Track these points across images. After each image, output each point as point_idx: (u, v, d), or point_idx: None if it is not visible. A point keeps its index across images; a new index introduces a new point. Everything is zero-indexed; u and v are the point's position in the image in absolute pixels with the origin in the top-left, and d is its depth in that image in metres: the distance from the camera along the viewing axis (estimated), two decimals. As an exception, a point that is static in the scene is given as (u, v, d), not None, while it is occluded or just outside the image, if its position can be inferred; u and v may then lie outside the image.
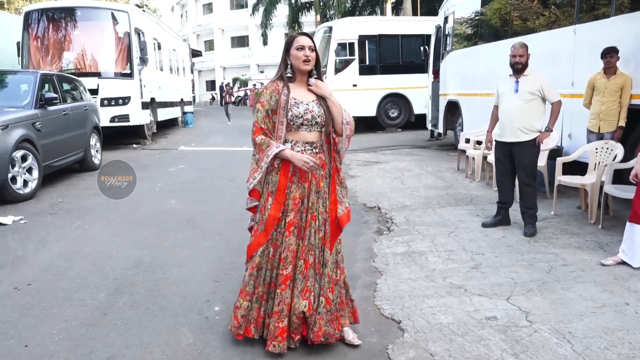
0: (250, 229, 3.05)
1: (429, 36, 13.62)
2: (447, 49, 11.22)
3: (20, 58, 12.51)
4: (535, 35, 7.44)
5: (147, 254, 4.71)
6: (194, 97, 25.88)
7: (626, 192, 4.90)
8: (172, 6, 53.21)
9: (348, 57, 15.40)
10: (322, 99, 2.89)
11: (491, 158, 7.08)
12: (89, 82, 11.38)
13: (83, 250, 4.86)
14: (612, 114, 5.75)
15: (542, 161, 6.11)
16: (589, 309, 3.40)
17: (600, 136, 5.90)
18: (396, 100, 16.14)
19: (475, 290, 3.77)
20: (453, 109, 10.98)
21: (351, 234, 5.11)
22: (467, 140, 8.96)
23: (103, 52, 12.71)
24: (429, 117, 12.81)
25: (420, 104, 14.96)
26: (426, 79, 13.45)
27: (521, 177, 5.15)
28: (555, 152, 6.44)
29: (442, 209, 6.17)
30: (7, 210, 6.45)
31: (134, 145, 13.41)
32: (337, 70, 15.26)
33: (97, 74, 12.41)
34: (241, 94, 41.13)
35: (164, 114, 16.25)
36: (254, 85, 39.59)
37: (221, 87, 35.98)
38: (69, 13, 12.78)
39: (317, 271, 2.88)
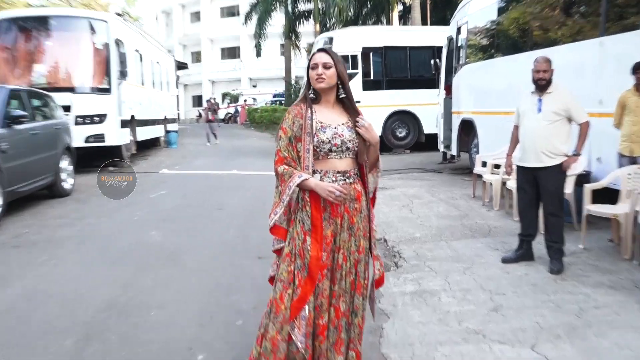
0: (271, 279, 2.95)
1: (440, 48, 13.73)
2: (461, 62, 11.29)
3: (-14, 71, 12.58)
4: (557, 48, 7.48)
5: (123, 294, 4.64)
6: (178, 114, 26.01)
7: (664, 223, 4.85)
8: (157, 15, 53.84)
9: (350, 71, 15.49)
10: (351, 122, 2.84)
11: (511, 184, 7.05)
12: (61, 98, 11.41)
13: (50, 289, 4.79)
14: (646, 136, 5.76)
15: (568, 188, 6.08)
16: None
17: (632, 160, 5.89)
18: (404, 118, 16.21)
19: (495, 336, 3.70)
20: (468, 128, 11.00)
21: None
22: (484, 164, 8.95)
23: (78, 64, 12.79)
24: (440, 138, 12.84)
25: (431, 123, 15.03)
26: (437, 95, 13.52)
27: (546, 207, 5.11)
28: (583, 178, 6.41)
29: (457, 242, 6.11)
30: (-34, 242, 6.39)
31: (111, 168, 13.40)
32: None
33: (71, 89, 12.46)
34: (232, 110, 41.37)
35: (144, 133, 16.30)
36: (245, 101, 39.85)
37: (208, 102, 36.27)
38: (42, 22, 12.88)
39: (347, 320, 2.84)
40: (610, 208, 5.69)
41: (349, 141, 2.80)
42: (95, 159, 13.27)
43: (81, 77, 12.71)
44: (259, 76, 47.35)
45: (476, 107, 10.59)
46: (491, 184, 8.02)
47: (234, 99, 43.33)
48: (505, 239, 6.20)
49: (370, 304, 3.04)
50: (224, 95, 44.87)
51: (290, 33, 28.81)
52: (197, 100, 49.39)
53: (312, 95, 2.84)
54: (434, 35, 15.61)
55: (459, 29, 11.38)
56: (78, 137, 11.78)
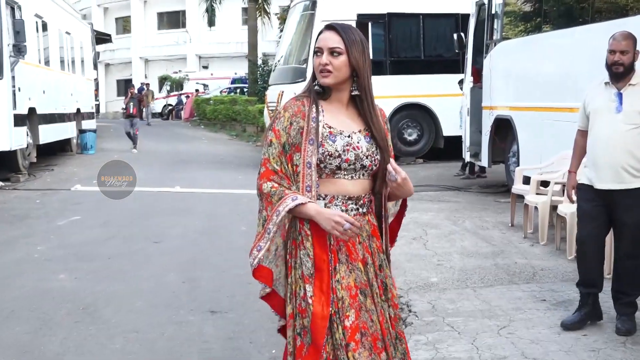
0: (282, 329, 2.97)
1: (466, 16, 13.86)
2: (495, 37, 11.40)
3: None
4: (635, 19, 7.61)
5: (19, 364, 4.63)
6: (97, 107, 25.94)
7: None
8: (67, -36, 53.79)
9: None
10: (368, 131, 2.87)
11: (565, 208, 7.14)
12: None
13: None
14: None
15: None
16: None
17: None
18: (415, 114, 16.32)
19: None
20: (504, 130, 11.11)
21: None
22: (527, 180, 9.04)
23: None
24: (466, 143, 12.94)
25: (453, 122, 15.10)
26: (461, 83, 13.65)
27: (623, 245, 5.09)
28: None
29: (488, 290, 6.15)
30: None
31: (1, 184, 13.31)
32: (324, 68, 15.43)
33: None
34: (173, 101, 41.29)
35: (49, 134, 16.23)
36: (197, 90, 39.76)
37: (140, 89, 36.14)
38: None
39: None
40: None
41: (366, 157, 2.81)
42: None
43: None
44: (211, 54, 47.29)
45: (516, 101, 10.70)
46: (536, 207, 8.09)
47: (177, 85, 43.22)
48: (555, 285, 6.25)
49: None
50: (163, 80, 44.71)
51: (257, -7, 28.96)
52: (125, 87, 49.03)
53: (318, 89, 2.84)
54: (458, 0, 15.77)
55: (492, -9, 11.53)
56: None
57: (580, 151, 5.33)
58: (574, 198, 5.40)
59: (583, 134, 5.28)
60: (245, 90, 34.56)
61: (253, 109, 25.83)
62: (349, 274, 2.79)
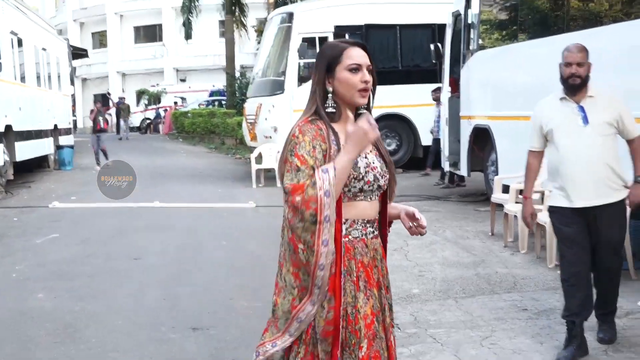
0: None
1: (442, 27, 13.94)
2: (472, 47, 11.48)
3: None
4: (611, 28, 7.69)
5: (-2, 387, 4.59)
6: (75, 122, 25.78)
7: None
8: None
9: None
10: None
11: (544, 217, 7.16)
12: None
13: None
14: None
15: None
16: None
17: None
18: (394, 124, 16.36)
19: None
20: (482, 138, 11.17)
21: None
22: (506, 189, 9.07)
23: None
24: (445, 152, 12.99)
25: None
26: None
27: (605, 261, 4.94)
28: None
29: (470, 300, 6.17)
30: None
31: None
32: (302, 79, 15.39)
33: None
34: (151, 115, 41.17)
35: (26, 151, 16.14)
36: (175, 103, 39.65)
37: (119, 103, 35.99)
38: None
39: None
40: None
41: (382, 176, 2.79)
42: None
43: None
44: (189, 66, 47.23)
45: (494, 110, 10.77)
46: (516, 216, 8.12)
47: (155, 98, 43.10)
48: (536, 294, 6.28)
49: None
50: (140, 94, 44.58)
51: (234, 6, 28.96)
52: (102, 101, 48.89)
53: (330, 109, 2.77)
54: (435, 11, 15.81)
55: (468, 1, 11.58)
56: None
57: (534, 174, 5.20)
58: (533, 226, 5.31)
59: (537, 155, 5.14)
60: (223, 103, 34.53)
61: (231, 121, 25.77)
62: (366, 300, 2.75)
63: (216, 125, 28.24)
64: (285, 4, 24.30)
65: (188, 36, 31.07)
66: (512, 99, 10.17)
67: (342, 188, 2.67)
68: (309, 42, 15.59)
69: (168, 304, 6.44)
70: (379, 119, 16.01)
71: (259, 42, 23.04)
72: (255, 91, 17.37)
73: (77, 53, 28.43)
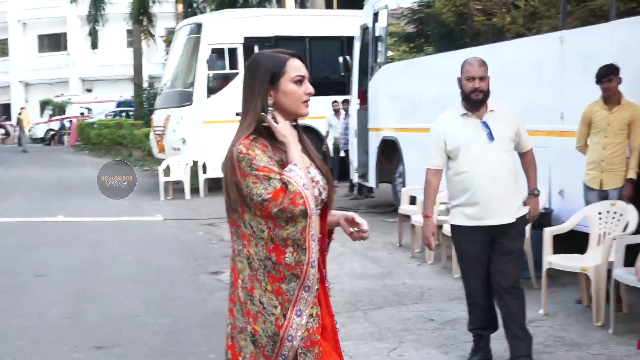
0: None
1: (351, 39, 14.06)
2: (379, 59, 11.60)
3: None
4: (512, 43, 7.88)
5: None
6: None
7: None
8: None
9: (228, 71, 15.52)
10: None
11: (449, 228, 7.25)
12: None
13: None
14: (618, 162, 6.06)
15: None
16: None
17: (603, 194, 6.18)
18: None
19: None
20: (390, 150, 11.26)
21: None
22: (413, 200, 9.16)
23: None
24: (354, 164, 13.06)
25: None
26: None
27: (507, 278, 4.84)
28: (542, 218, 6.60)
29: (378, 312, 6.19)
30: None
31: None
32: (211, 90, 15.29)
33: None
34: (55, 126, 40.17)
35: None
36: (82, 114, 38.82)
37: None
38: None
39: None
40: (577, 259, 5.98)
41: (324, 190, 2.68)
42: None
43: None
44: (95, 76, 46.44)
45: (401, 122, 10.89)
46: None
47: (60, 109, 42.13)
48: (443, 304, 6.35)
49: None
50: (44, 104, 43.53)
51: (141, 16, 28.55)
52: (3, 111, 47.61)
53: (267, 124, 2.64)
54: (343, 23, 16.01)
55: (376, 15, 11.70)
56: None
57: (434, 193, 5.02)
58: (433, 246, 5.18)
59: (436, 173, 4.97)
60: (130, 114, 33.97)
61: (139, 132, 25.37)
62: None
63: (123, 136, 27.77)
64: (194, 14, 24.15)
65: (94, 45, 30.54)
66: (419, 111, 10.28)
67: None
68: (218, 53, 15.53)
69: (71, 322, 6.27)
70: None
71: (167, 53, 22.77)
72: (164, 102, 17.14)
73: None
